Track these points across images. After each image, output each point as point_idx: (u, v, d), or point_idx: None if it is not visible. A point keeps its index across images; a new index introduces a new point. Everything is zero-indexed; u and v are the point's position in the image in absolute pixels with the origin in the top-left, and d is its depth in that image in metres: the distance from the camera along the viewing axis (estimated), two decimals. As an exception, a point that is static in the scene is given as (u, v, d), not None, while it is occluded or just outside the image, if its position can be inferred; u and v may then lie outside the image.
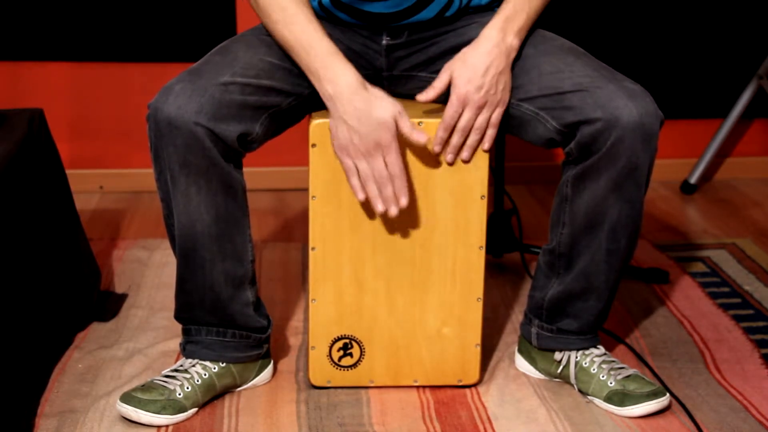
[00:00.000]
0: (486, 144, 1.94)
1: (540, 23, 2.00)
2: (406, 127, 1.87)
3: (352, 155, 1.88)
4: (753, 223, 3.07)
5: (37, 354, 2.10)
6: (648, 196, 1.99)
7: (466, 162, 1.95)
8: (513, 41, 1.91)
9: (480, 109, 1.90)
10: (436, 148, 1.94)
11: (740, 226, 3.05)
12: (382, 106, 1.85)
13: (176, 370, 2.01)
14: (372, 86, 1.88)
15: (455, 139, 1.93)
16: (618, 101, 1.87)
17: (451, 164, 1.96)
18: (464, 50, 1.92)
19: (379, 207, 1.90)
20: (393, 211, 1.90)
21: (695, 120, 3.46)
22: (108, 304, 2.43)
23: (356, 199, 1.97)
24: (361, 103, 1.85)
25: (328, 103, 1.88)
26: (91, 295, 2.37)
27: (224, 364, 2.03)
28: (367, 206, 1.98)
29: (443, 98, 1.93)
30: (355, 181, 1.90)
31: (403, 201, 1.89)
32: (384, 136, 1.85)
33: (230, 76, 1.88)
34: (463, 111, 1.91)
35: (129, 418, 1.94)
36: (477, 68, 1.89)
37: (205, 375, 2.01)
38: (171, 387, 1.97)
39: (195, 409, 1.99)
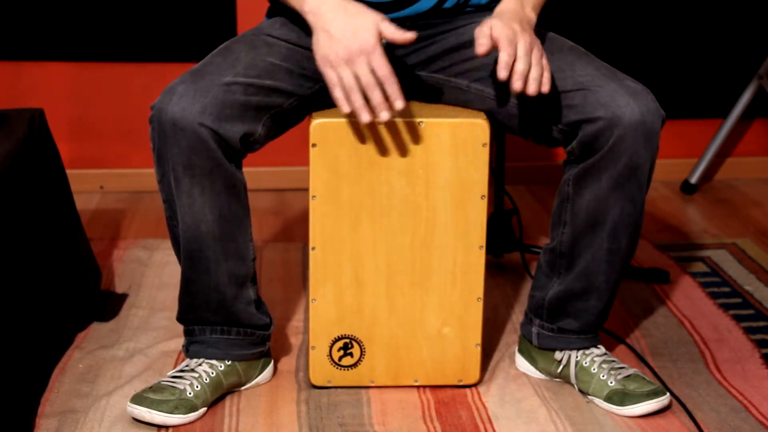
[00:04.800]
0: (545, 86, 1.82)
1: (541, 24, 2.00)
2: (390, 30, 1.81)
3: (334, 63, 1.81)
4: (753, 223, 3.07)
5: (37, 354, 2.10)
6: (648, 195, 1.99)
7: (533, 95, 1.82)
8: (530, 14, 1.89)
9: (531, 47, 1.80)
10: (503, 74, 1.79)
11: (740, 226, 3.05)
12: (363, 12, 1.82)
13: (182, 371, 2.01)
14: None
15: (520, 65, 1.79)
16: (620, 100, 1.87)
17: (519, 91, 1.81)
18: (487, 19, 1.84)
19: (364, 117, 1.81)
20: (383, 117, 1.81)
21: (695, 120, 3.46)
22: (108, 304, 2.43)
23: (356, 200, 1.97)
24: (342, 11, 1.82)
25: (309, 18, 1.85)
26: (91, 295, 2.37)
27: (230, 362, 2.04)
28: (367, 206, 1.98)
29: (449, 99, 1.93)
30: (338, 92, 1.83)
31: (399, 104, 1.80)
32: (366, 39, 1.79)
33: (233, 76, 1.88)
34: (516, 46, 1.79)
35: (142, 419, 1.94)
36: (510, 21, 1.81)
37: (212, 373, 2.01)
38: (180, 387, 1.97)
39: (205, 408, 1.99)
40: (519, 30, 1.81)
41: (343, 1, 1.83)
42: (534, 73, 1.80)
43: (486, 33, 1.80)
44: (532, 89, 1.81)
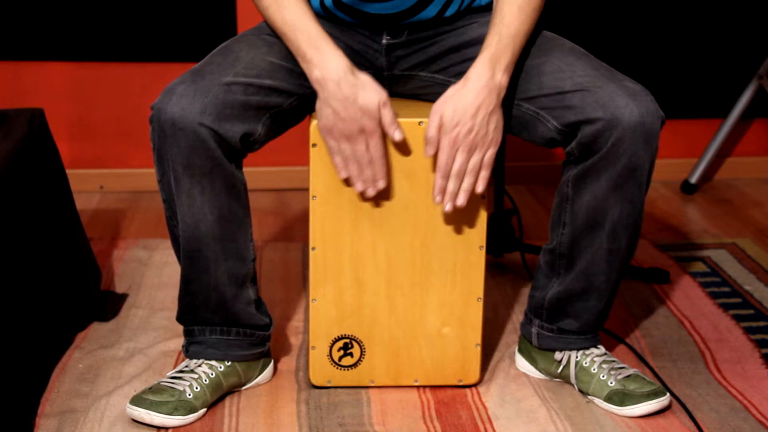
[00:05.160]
0: (480, 187, 1.91)
1: (540, 23, 2.00)
2: (387, 118, 1.87)
3: (336, 137, 1.89)
4: (753, 223, 3.07)
5: (37, 354, 2.10)
6: (648, 196, 1.99)
7: (462, 207, 1.92)
8: (502, 79, 1.88)
9: (472, 151, 1.88)
10: (438, 198, 1.92)
11: (740, 226, 3.05)
12: (367, 94, 1.85)
13: (182, 371, 2.01)
14: (360, 72, 1.87)
15: (451, 186, 1.90)
16: (619, 101, 1.87)
17: (449, 213, 1.95)
18: (452, 90, 1.88)
19: (359, 186, 1.93)
20: (370, 193, 1.93)
21: (695, 120, 3.46)
22: (108, 304, 2.43)
23: (356, 199, 1.97)
24: (347, 89, 1.85)
25: (315, 87, 1.89)
26: (91, 295, 2.37)
27: (230, 363, 2.04)
28: (367, 206, 1.98)
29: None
30: (338, 160, 1.91)
31: (380, 184, 1.92)
32: (367, 124, 1.86)
33: (233, 76, 1.88)
34: (455, 155, 1.89)
35: (141, 420, 1.94)
36: (466, 110, 1.86)
37: (212, 374, 2.01)
38: (180, 388, 1.97)
39: (205, 409, 1.99)
40: (467, 129, 1.86)
41: (347, 74, 1.86)
42: (465, 184, 1.90)
43: (435, 125, 1.88)
44: (460, 202, 1.92)
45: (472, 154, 1.89)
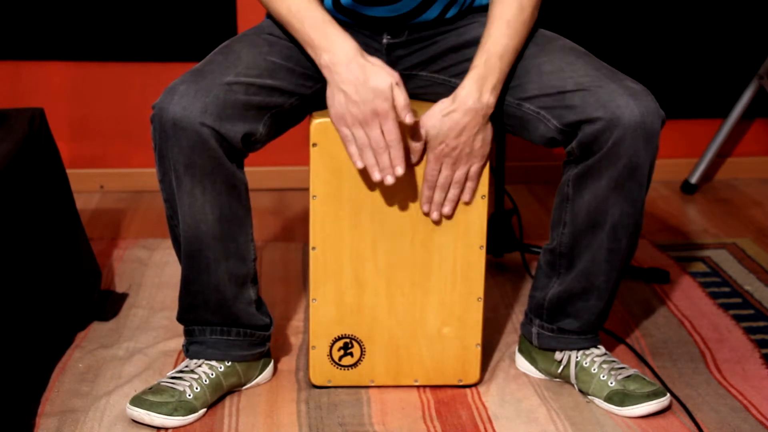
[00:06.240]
0: (466, 196, 1.97)
1: (540, 23, 2.00)
2: (400, 100, 1.85)
3: (349, 124, 1.87)
4: (753, 223, 3.07)
5: (37, 354, 2.10)
6: (648, 195, 1.99)
7: (448, 217, 1.98)
8: (489, 99, 1.90)
9: (457, 165, 1.93)
10: (425, 208, 1.97)
11: (740, 226, 3.05)
12: (379, 75, 1.85)
13: (182, 371, 2.01)
14: (369, 56, 1.87)
15: (437, 196, 1.96)
16: (619, 100, 1.87)
17: (436, 222, 1.98)
18: (440, 105, 1.90)
19: (377, 175, 1.89)
20: (389, 180, 1.89)
21: (695, 120, 3.46)
22: (108, 304, 2.43)
23: (356, 199, 1.97)
24: (358, 71, 1.85)
25: (325, 72, 1.88)
26: (91, 295, 2.37)
27: (230, 363, 2.03)
28: (367, 206, 1.98)
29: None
30: (353, 149, 1.89)
31: (399, 170, 1.88)
32: (381, 105, 1.85)
33: (234, 75, 1.88)
34: (440, 169, 1.93)
35: (141, 421, 1.94)
36: (452, 130, 1.90)
37: (212, 375, 2.01)
38: (180, 388, 1.97)
39: (205, 410, 1.99)
40: (451, 147, 1.90)
41: (357, 57, 1.86)
42: (450, 194, 1.95)
43: (421, 138, 1.91)
44: (446, 210, 1.97)
45: (457, 168, 1.93)
